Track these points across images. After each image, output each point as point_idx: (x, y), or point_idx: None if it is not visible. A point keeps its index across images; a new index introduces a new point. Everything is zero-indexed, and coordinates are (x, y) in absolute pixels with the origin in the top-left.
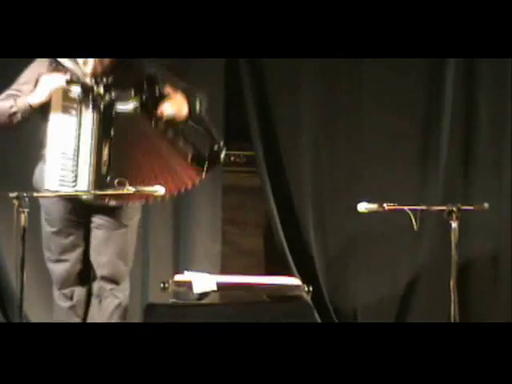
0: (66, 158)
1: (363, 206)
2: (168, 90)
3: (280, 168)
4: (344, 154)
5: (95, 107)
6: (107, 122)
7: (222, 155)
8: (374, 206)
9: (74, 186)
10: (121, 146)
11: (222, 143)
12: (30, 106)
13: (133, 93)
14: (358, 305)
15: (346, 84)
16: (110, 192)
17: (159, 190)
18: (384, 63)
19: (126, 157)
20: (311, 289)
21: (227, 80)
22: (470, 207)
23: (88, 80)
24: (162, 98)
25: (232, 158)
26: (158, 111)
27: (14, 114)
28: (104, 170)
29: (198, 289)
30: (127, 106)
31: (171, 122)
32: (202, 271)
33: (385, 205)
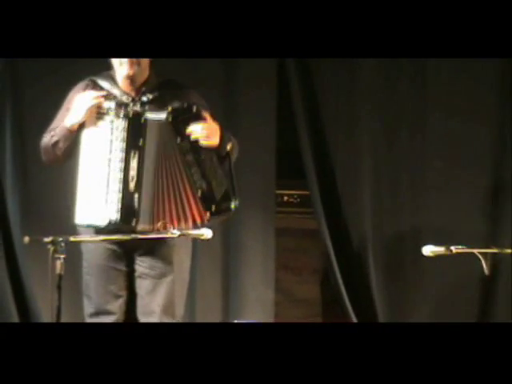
0: (98, 177)
1: (429, 250)
2: (206, 114)
3: (337, 208)
4: (406, 193)
5: (125, 116)
6: (136, 131)
7: (232, 208)
8: (440, 249)
9: (105, 208)
10: (149, 158)
11: (237, 201)
12: (68, 129)
13: (169, 108)
14: None
15: (408, 125)
16: (152, 235)
17: (206, 233)
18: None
19: (152, 170)
20: None
21: (280, 114)
22: None
23: (125, 98)
24: (197, 117)
25: (285, 198)
26: (188, 128)
27: (56, 143)
28: (132, 186)
29: None
30: (158, 116)
31: (196, 146)
32: (254, 320)
33: (452, 248)
